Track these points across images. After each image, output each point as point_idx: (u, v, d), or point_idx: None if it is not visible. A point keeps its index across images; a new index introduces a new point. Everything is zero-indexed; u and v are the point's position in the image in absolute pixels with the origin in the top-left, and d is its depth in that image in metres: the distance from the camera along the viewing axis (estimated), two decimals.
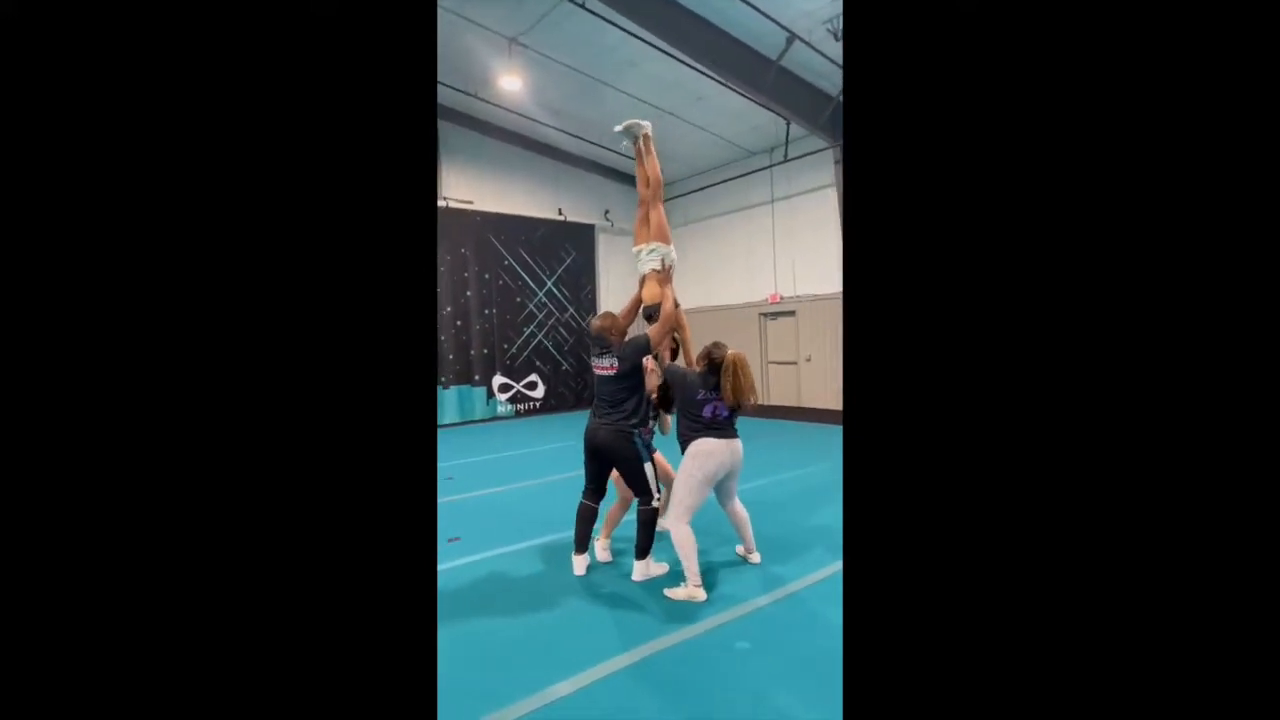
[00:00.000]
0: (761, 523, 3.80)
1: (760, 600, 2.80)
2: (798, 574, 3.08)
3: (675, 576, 3.00)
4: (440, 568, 3.33)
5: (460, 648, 2.46)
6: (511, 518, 4.28)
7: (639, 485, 3.08)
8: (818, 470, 5.51)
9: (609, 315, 3.19)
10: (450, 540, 3.80)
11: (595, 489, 3.24)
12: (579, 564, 3.21)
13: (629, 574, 3.12)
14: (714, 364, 2.96)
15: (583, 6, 5.97)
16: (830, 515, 4.08)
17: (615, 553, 3.41)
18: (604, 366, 3.12)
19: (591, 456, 3.19)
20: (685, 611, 2.70)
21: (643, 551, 3.08)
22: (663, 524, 3.39)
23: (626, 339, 3.14)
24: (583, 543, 3.22)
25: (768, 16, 6.02)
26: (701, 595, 2.83)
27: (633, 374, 3.09)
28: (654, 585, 2.99)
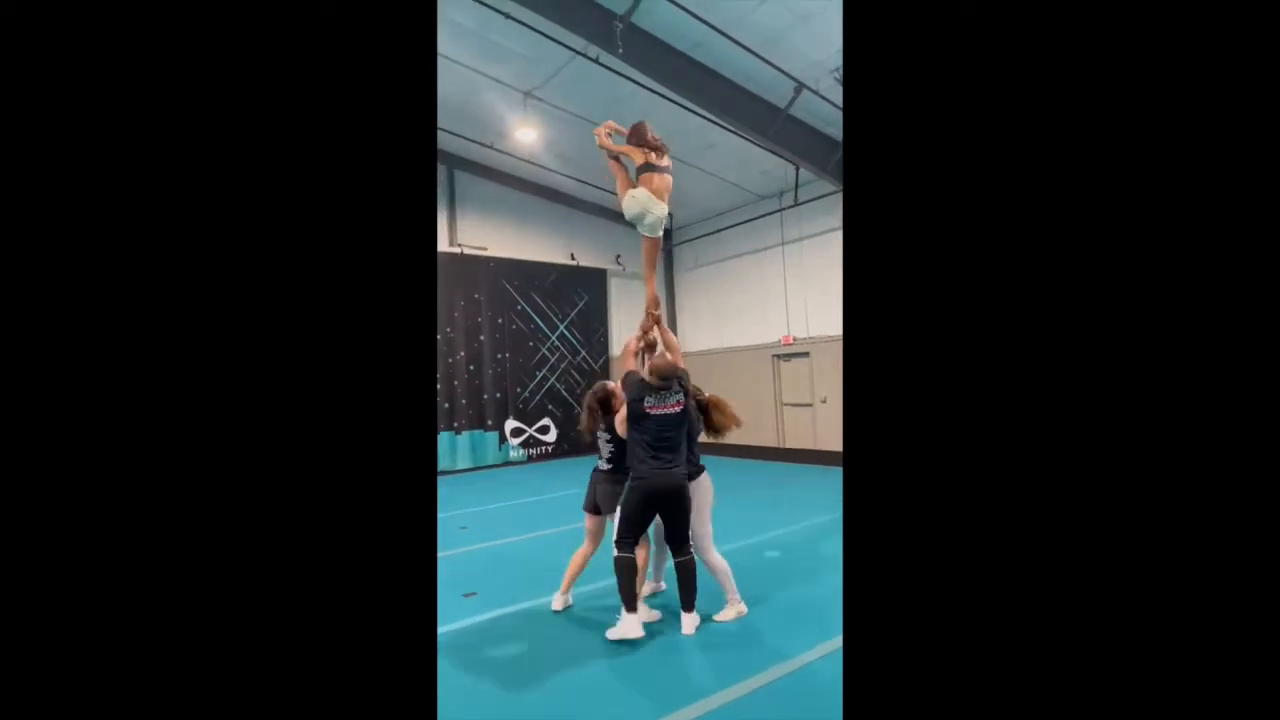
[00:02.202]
0: (776, 582, 3.68)
1: (807, 656, 2.67)
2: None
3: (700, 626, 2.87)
4: (455, 625, 3.22)
5: (474, 715, 2.35)
6: (529, 570, 4.17)
7: (686, 533, 3.05)
8: (837, 520, 5.37)
9: (665, 357, 3.14)
10: (466, 595, 3.70)
11: (636, 539, 3.03)
12: (635, 625, 2.88)
13: (648, 628, 3.00)
14: (700, 404, 3.29)
15: (596, 61, 6.15)
16: None
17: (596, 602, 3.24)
18: (669, 406, 2.99)
19: (653, 505, 2.99)
20: (724, 670, 2.58)
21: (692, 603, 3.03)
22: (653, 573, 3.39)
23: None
24: (633, 599, 2.91)
25: (776, 68, 6.17)
26: (744, 609, 3.10)
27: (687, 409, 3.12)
28: (682, 643, 2.87)
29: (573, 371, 10.45)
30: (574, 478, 7.94)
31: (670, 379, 3.04)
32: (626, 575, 2.93)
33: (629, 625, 2.88)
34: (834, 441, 8.72)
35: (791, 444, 9.38)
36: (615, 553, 2.99)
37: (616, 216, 10.95)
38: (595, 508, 3.30)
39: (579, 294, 10.61)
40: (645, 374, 3.08)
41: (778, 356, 9.71)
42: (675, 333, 11.37)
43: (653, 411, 2.99)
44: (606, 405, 3.26)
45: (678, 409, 3.01)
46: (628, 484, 3.02)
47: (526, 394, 9.94)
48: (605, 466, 3.29)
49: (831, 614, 3.13)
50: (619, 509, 3.04)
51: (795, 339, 9.36)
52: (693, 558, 3.04)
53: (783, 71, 6.23)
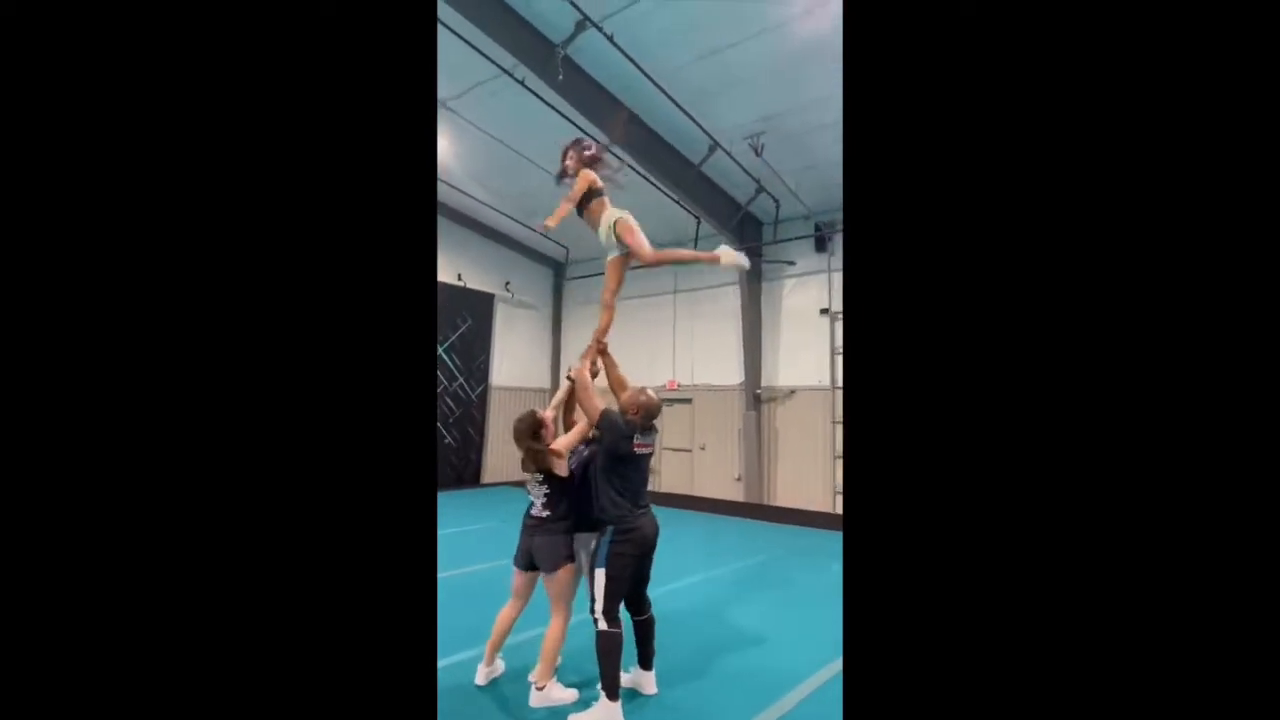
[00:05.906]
0: (697, 647, 3.58)
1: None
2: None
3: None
4: None
5: None
6: None
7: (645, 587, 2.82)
8: (737, 571, 5.40)
9: (648, 392, 2.81)
10: None
11: (629, 601, 2.70)
12: (617, 714, 2.48)
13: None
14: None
15: (522, 84, 6.00)
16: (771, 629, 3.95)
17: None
18: (648, 445, 2.75)
19: (644, 558, 2.68)
20: None
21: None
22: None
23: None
24: (616, 685, 2.49)
25: (696, 123, 6.41)
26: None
27: None
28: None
29: (447, 398, 9.80)
30: (452, 514, 7.30)
31: (654, 415, 2.78)
32: (614, 656, 2.48)
33: (611, 714, 2.46)
34: (710, 489, 8.91)
35: (668, 489, 9.45)
36: (602, 627, 2.49)
37: (511, 242, 10.69)
38: (530, 563, 2.80)
39: (463, 317, 10.07)
40: (629, 413, 2.73)
41: (662, 401, 9.83)
42: (559, 365, 11.15)
43: (641, 451, 2.71)
44: (536, 436, 2.83)
45: (651, 449, 2.82)
46: (609, 541, 2.57)
47: None
48: (542, 513, 2.79)
49: (765, 682, 3.07)
50: (603, 573, 2.55)
51: (680, 385, 9.55)
52: (651, 616, 2.79)
53: (702, 128, 6.49)
